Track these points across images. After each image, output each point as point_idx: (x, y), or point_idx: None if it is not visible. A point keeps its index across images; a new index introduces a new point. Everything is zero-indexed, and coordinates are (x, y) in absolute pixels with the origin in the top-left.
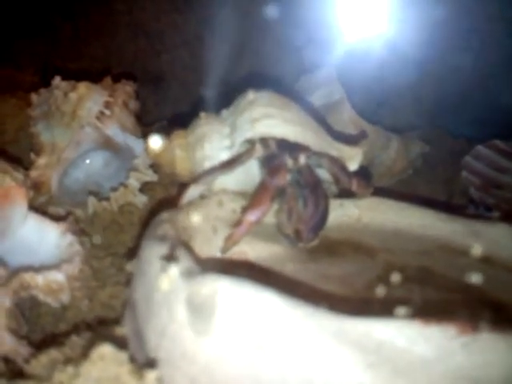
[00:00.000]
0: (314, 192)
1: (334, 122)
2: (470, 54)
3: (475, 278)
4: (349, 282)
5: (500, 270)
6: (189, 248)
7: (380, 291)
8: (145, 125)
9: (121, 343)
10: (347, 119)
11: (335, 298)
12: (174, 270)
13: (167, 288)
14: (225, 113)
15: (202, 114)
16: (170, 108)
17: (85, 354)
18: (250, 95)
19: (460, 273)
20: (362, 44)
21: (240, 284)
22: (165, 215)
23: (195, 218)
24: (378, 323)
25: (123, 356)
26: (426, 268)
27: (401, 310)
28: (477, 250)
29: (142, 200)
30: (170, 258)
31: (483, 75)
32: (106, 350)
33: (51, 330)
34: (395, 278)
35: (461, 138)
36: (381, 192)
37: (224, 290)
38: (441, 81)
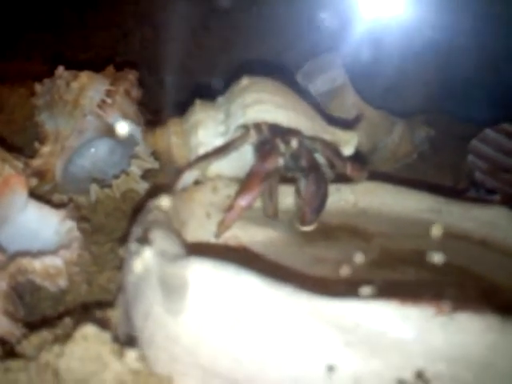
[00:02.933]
0: (315, 173)
1: (338, 107)
2: (479, 36)
3: (437, 258)
4: (343, 266)
5: (495, 252)
6: (178, 233)
7: (373, 274)
8: (150, 112)
9: (112, 325)
10: (350, 104)
11: (326, 280)
12: (148, 253)
13: (141, 270)
14: (220, 99)
15: (198, 101)
16: (176, 96)
17: (70, 334)
18: (244, 81)
19: (456, 256)
20: (370, 28)
21: (220, 266)
22: (172, 198)
23: (164, 202)
24: (356, 303)
25: (106, 336)
26: (421, 251)
27: (365, 290)
28: (437, 229)
29: (143, 187)
30: (144, 240)
31: (492, 58)
32: (88, 330)
33: (50, 314)
34: (389, 261)
35: (469, 121)
36: (378, 176)
37: (204, 271)
38: (449, 64)
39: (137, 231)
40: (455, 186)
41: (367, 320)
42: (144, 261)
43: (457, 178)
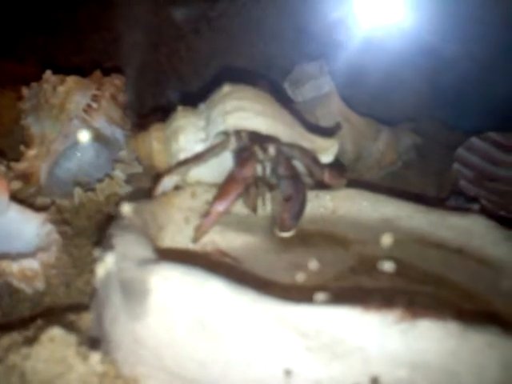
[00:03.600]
0: (293, 180)
1: (324, 114)
2: (467, 46)
3: (387, 266)
4: (320, 273)
5: (471, 261)
6: (154, 238)
7: (348, 281)
8: (140, 117)
9: (84, 328)
10: (336, 111)
11: (300, 286)
12: (110, 258)
13: (103, 276)
14: (201, 106)
15: (179, 108)
16: (164, 100)
17: (38, 336)
18: (225, 88)
19: (432, 265)
20: (360, 36)
21: (187, 271)
22: (134, 205)
23: (126, 209)
24: (319, 309)
25: (71, 338)
26: (398, 259)
27: (320, 296)
28: (387, 238)
29: (127, 191)
30: (107, 246)
31: (481, 67)
32: (55, 332)
33: (28, 315)
34: (365, 269)
35: (458, 130)
36: (358, 184)
37: (171, 276)
38: (438, 73)
39: (111, 234)
40: (439, 194)
41: (329, 326)
42: (106, 266)
43: (441, 186)
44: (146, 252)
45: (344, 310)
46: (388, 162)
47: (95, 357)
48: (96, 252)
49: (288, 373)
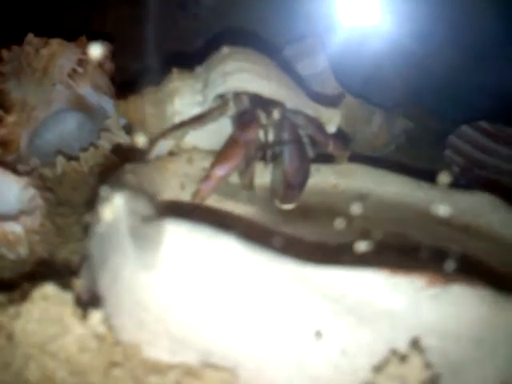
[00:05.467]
0: (297, 148)
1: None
2: (455, 36)
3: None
4: (322, 246)
5: (477, 237)
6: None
7: (350, 254)
8: (123, 89)
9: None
10: (331, 90)
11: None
12: (118, 198)
13: (110, 218)
14: (198, 69)
15: (175, 70)
16: (150, 72)
17: (28, 295)
18: (225, 50)
19: (437, 240)
20: (351, 23)
21: (197, 227)
22: (129, 166)
23: (141, 139)
24: (344, 271)
25: (68, 297)
26: (401, 235)
27: (361, 245)
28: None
29: (113, 162)
30: (115, 186)
31: (470, 57)
32: (49, 289)
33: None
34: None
35: (445, 117)
36: (360, 158)
37: (179, 232)
38: (427, 62)
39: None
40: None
41: (355, 289)
42: (114, 208)
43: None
44: (148, 208)
45: (371, 273)
46: (380, 145)
47: (96, 316)
48: (103, 191)
49: (318, 335)
